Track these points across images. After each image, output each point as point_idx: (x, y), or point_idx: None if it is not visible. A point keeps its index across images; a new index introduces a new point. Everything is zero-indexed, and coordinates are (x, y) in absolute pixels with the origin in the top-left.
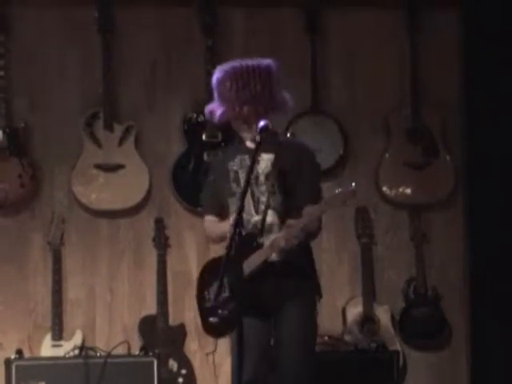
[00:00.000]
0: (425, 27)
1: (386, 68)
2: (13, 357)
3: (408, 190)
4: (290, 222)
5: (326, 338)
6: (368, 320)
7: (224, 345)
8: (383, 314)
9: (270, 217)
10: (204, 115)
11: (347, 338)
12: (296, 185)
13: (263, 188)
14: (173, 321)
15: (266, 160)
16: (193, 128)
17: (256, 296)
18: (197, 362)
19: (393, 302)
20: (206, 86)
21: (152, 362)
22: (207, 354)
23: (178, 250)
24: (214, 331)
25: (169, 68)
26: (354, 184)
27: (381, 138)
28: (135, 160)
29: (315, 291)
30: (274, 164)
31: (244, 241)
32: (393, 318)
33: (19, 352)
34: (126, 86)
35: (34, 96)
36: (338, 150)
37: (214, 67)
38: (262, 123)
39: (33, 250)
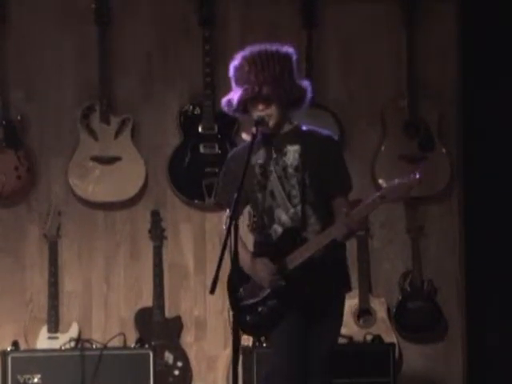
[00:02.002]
0: (422, 19)
1: (383, 61)
2: (9, 349)
3: None
4: (350, 211)
5: None
6: (364, 312)
7: (220, 336)
8: (379, 307)
9: (303, 210)
10: (200, 107)
11: (343, 330)
12: (327, 175)
13: (293, 181)
14: (169, 313)
15: (292, 152)
16: (189, 120)
17: (297, 292)
18: (192, 354)
19: (389, 295)
20: (203, 78)
21: (148, 355)
22: None
23: (174, 242)
24: (251, 330)
25: (165, 60)
26: (418, 173)
27: (377, 131)
28: (131, 152)
29: (348, 286)
30: (302, 155)
31: (285, 236)
32: (389, 310)
33: (15, 344)
34: (123, 78)
35: (30, 88)
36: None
37: (211, 59)
38: (256, 116)
39: (29, 242)
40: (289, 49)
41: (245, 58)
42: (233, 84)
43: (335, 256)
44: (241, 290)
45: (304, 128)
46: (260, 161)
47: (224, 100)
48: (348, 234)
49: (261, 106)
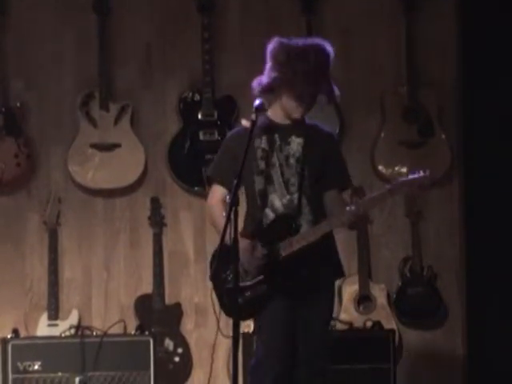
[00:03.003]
0: (421, 6)
1: (382, 48)
2: (9, 336)
3: (404, 169)
4: (359, 200)
5: None
6: (364, 298)
7: (220, 323)
8: (379, 293)
9: (299, 199)
10: (200, 94)
11: (343, 316)
12: (327, 171)
13: (293, 170)
14: (169, 300)
15: (296, 143)
16: (189, 107)
17: (288, 279)
18: (193, 341)
19: (389, 281)
20: (203, 65)
21: (148, 342)
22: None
23: (173, 229)
24: (233, 313)
25: (165, 47)
26: (428, 172)
27: (376, 118)
28: (131, 139)
29: (340, 272)
30: (305, 148)
31: (279, 221)
32: (389, 296)
33: (15, 331)
34: (122, 66)
35: (30, 76)
36: (334, 129)
37: (210, 46)
38: (257, 102)
39: (29, 230)
40: (330, 47)
41: (313, 50)
42: (284, 66)
43: (325, 242)
44: (228, 272)
45: (308, 121)
46: (263, 145)
47: (267, 81)
48: (348, 225)
49: (291, 101)
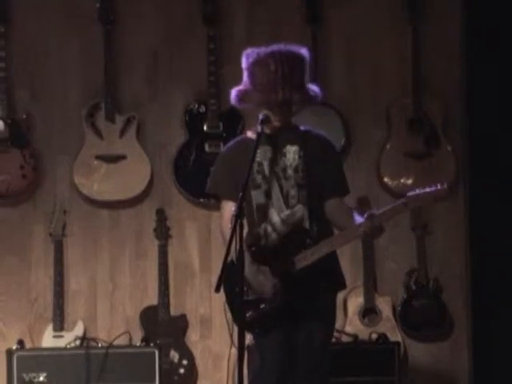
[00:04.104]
0: (426, 16)
1: (387, 58)
2: (14, 347)
3: (409, 181)
4: (374, 212)
5: None
6: (369, 311)
7: (225, 335)
8: (384, 305)
9: (300, 211)
10: (205, 106)
11: (348, 328)
12: (325, 177)
13: (292, 181)
14: (174, 311)
15: (292, 152)
16: (194, 119)
17: (299, 292)
18: (198, 352)
19: (394, 293)
20: (208, 77)
21: (153, 353)
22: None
23: (179, 240)
24: (250, 326)
25: (170, 58)
26: (445, 184)
27: (382, 129)
28: (137, 151)
29: (343, 284)
30: (301, 156)
31: (294, 234)
32: (394, 309)
33: (21, 343)
34: (128, 77)
35: (35, 87)
36: (339, 140)
37: (215, 57)
38: (262, 114)
39: (34, 241)
40: (305, 50)
41: (270, 56)
42: (248, 76)
43: (328, 254)
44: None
45: (302, 128)
46: (259, 158)
47: (234, 92)
48: (362, 238)
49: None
